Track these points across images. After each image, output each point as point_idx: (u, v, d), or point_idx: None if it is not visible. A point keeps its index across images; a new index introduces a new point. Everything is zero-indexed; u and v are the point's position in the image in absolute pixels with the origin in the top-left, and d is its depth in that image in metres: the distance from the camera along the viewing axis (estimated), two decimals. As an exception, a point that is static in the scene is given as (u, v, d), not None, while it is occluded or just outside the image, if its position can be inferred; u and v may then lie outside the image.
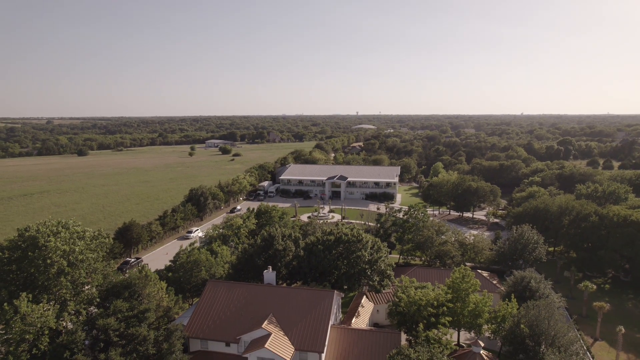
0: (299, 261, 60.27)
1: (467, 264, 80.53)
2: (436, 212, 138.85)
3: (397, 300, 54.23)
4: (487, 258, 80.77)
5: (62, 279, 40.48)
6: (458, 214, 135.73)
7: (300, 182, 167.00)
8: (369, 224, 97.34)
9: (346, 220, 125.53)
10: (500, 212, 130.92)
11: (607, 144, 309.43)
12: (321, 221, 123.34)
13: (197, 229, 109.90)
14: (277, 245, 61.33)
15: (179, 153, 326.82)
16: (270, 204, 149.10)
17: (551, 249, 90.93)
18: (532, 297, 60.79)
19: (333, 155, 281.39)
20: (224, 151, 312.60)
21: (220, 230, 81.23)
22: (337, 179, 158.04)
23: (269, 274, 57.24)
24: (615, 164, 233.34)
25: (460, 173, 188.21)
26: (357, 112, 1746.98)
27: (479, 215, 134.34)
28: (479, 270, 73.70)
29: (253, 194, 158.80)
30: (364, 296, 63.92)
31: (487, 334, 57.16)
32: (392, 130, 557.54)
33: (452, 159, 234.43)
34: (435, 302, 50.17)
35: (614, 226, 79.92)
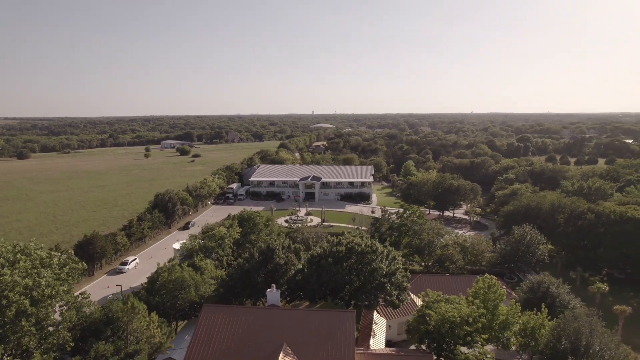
0: (304, 276, 52.90)
1: (467, 267, 76.53)
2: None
3: (419, 315, 48.42)
4: (488, 260, 76.98)
5: (23, 322, 30.82)
6: (438, 213, 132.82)
7: (271, 183, 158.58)
8: (362, 228, 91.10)
9: (327, 223, 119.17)
10: (478, 209, 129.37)
11: (559, 141, 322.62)
12: (300, 225, 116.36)
13: (135, 258, 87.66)
14: (277, 259, 53.70)
15: (134, 155, 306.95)
16: (241, 207, 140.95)
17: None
18: (554, 303, 57.04)
19: (297, 154, 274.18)
20: (183, 152, 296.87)
21: (200, 241, 72.03)
22: (310, 179, 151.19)
23: (273, 294, 49.46)
24: (571, 159, 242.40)
25: (427, 171, 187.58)
26: (313, 112, 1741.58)
27: (459, 213, 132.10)
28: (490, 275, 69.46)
29: (222, 198, 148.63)
30: (374, 311, 57.61)
31: (513, 348, 52.51)
32: (350, 129, 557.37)
33: (420, 156, 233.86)
34: (470, 319, 44.59)
35: (611, 223, 78.52)
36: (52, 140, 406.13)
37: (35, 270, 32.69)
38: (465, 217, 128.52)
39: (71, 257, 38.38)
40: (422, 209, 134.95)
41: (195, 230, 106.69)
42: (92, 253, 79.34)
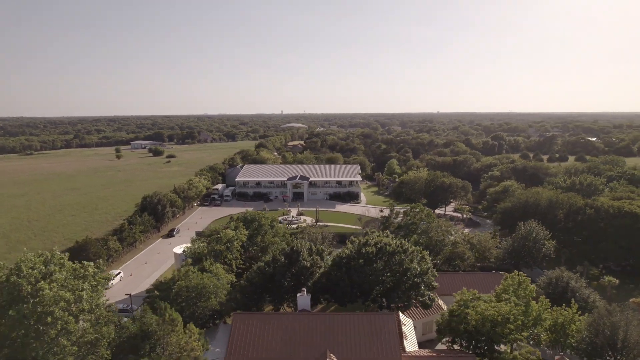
0: (332, 279, 50.83)
1: (477, 264, 76.56)
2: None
3: (455, 314, 47.35)
4: (495, 257, 77.23)
5: (64, 341, 27.27)
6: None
7: (257, 183, 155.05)
8: (366, 229, 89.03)
9: (321, 223, 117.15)
10: (466, 207, 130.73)
11: (530, 139, 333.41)
12: (295, 225, 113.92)
13: (119, 272, 79.22)
14: (303, 261, 51.34)
15: (103, 156, 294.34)
16: (229, 209, 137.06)
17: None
18: (574, 298, 57.44)
19: (275, 154, 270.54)
20: (156, 153, 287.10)
21: (200, 244, 68.51)
22: (298, 179, 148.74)
23: (304, 298, 47.22)
24: (544, 157, 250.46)
25: (417, 169, 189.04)
26: (282, 111, 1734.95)
27: (448, 211, 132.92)
28: (500, 271, 69.60)
29: (208, 199, 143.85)
30: (399, 313, 56.24)
31: (542, 345, 52.35)
32: (323, 129, 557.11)
33: (400, 155, 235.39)
34: (511, 317, 43.87)
35: (610, 218, 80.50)
36: (10, 141, 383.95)
37: (75, 283, 29.14)
38: (456, 214, 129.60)
39: (99, 266, 34.79)
40: (391, 205, 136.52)
41: (185, 237, 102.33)
42: (86, 259, 74.07)
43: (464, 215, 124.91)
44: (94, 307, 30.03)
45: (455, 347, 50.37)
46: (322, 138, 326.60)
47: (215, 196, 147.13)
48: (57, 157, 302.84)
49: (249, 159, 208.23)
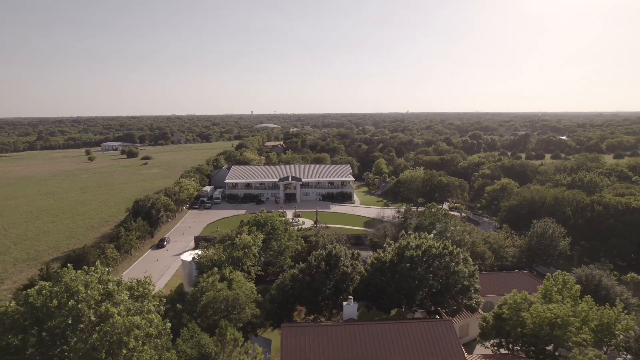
0: (373, 284, 47.91)
1: (496, 264, 75.44)
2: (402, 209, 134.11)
3: (507, 318, 45.42)
4: (512, 256, 76.38)
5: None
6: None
7: (248, 185, 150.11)
8: (369, 230, 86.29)
9: (322, 225, 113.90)
10: (461, 206, 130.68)
11: (506, 138, 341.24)
12: (295, 227, 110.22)
13: None
14: (343, 267, 48.15)
15: (74, 158, 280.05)
16: (220, 212, 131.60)
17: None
18: (608, 295, 56.96)
19: (257, 154, 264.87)
20: (130, 154, 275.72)
21: (217, 251, 64.13)
22: (291, 180, 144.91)
23: (351, 307, 44.15)
24: (521, 155, 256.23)
25: (405, 169, 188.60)
26: (252, 112, 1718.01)
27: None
28: (524, 270, 68.63)
29: (197, 202, 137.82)
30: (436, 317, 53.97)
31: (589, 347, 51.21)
32: (296, 129, 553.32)
33: (384, 154, 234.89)
34: (571, 319, 42.26)
35: (619, 214, 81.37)
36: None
37: (137, 305, 24.89)
38: (454, 213, 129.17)
39: (150, 281, 30.41)
40: (404, 206, 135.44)
41: (179, 244, 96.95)
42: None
43: (462, 214, 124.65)
44: (161, 331, 25.88)
45: (502, 351, 48.59)
46: (301, 138, 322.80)
47: (205, 198, 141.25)
48: (21, 159, 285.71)
49: (233, 160, 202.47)
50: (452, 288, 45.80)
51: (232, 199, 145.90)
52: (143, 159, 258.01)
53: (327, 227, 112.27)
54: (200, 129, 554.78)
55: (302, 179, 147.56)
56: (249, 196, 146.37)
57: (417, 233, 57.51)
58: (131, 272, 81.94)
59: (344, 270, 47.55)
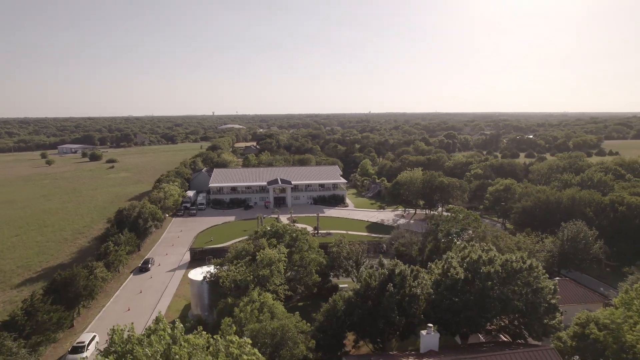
0: (447, 307, 41.12)
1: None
2: (399, 212, 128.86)
3: (581, 337, 39.87)
4: (544, 261, 71.93)
5: None
6: (424, 212, 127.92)
7: (233, 189, 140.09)
8: (379, 235, 79.23)
9: (324, 231, 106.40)
10: (460, 207, 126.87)
11: (477, 137, 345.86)
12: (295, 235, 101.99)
13: (94, 335, 53.70)
14: (411, 288, 41.04)
15: (28, 162, 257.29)
16: (207, 219, 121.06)
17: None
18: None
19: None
20: (93, 157, 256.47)
21: (233, 271, 55.35)
22: (281, 183, 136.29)
23: (431, 338, 37.16)
24: (498, 154, 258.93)
25: (390, 169, 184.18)
26: (213, 113, 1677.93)
27: (446, 212, 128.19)
28: (566, 278, 64.16)
29: (181, 209, 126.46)
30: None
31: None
32: (262, 130, 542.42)
33: (364, 155, 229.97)
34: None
35: (643, 214, 78.98)
36: None
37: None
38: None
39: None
40: (400, 208, 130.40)
41: (167, 262, 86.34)
42: (73, 297, 57.56)
43: None
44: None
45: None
46: (275, 139, 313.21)
47: (188, 204, 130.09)
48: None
49: (210, 162, 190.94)
50: (538, 307, 39.73)
51: (217, 204, 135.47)
52: (108, 162, 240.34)
53: (330, 234, 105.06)
54: (164, 130, 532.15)
55: (292, 182, 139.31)
56: (235, 201, 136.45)
57: (466, 243, 51.35)
58: (123, 292, 71.05)
59: (413, 292, 40.50)
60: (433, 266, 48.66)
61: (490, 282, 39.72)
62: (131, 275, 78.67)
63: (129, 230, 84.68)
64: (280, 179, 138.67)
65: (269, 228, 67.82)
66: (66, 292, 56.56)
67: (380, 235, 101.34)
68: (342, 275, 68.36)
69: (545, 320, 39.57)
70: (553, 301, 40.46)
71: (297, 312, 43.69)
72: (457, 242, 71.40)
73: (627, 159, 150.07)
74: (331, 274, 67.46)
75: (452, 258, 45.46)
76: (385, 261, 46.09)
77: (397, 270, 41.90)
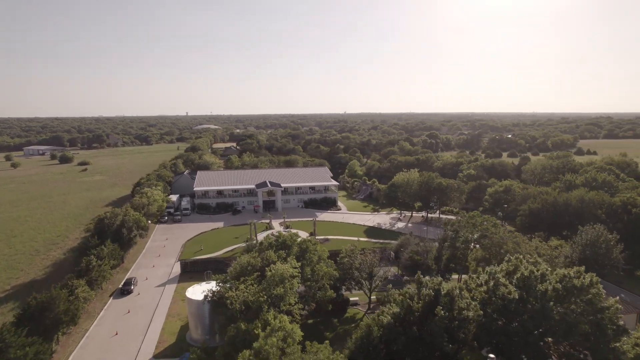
0: (503, 331, 35.85)
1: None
2: (394, 215, 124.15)
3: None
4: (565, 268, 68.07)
5: None
6: (421, 215, 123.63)
7: (219, 193, 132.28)
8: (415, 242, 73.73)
9: (321, 237, 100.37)
10: (455, 209, 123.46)
11: (459, 137, 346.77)
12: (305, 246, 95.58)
13: None
14: (460, 310, 35.59)
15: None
16: (193, 225, 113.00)
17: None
18: None
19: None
20: (63, 159, 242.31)
21: (243, 290, 48.83)
22: (271, 185, 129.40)
23: (495, 371, 31.66)
24: (481, 154, 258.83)
25: (377, 170, 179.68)
26: (187, 113, 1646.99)
27: (443, 215, 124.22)
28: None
29: (165, 215, 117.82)
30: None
31: None
32: (239, 131, 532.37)
33: (349, 155, 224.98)
34: None
35: (659, 215, 76.49)
36: None
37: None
38: (453, 217, 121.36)
39: None
40: (394, 211, 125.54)
41: (155, 274, 78.52)
42: (52, 325, 49.64)
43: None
44: None
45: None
46: (256, 139, 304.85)
47: (172, 210, 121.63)
48: None
49: (191, 164, 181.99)
50: (605, 330, 34.99)
51: (203, 209, 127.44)
52: (80, 164, 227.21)
53: (327, 240, 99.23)
54: (137, 131, 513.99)
55: (282, 185, 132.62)
56: (222, 205, 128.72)
57: (510, 256, 46.46)
58: (108, 312, 63.03)
59: (464, 315, 35.10)
60: (470, 281, 43.44)
61: (551, 302, 34.68)
62: (110, 299, 67.07)
63: (112, 241, 76.48)
64: (269, 182, 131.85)
65: (274, 238, 61.40)
66: (43, 319, 48.65)
67: (385, 241, 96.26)
68: (355, 288, 62.62)
69: (614, 344, 34.82)
70: (621, 322, 35.79)
71: (327, 342, 37.60)
72: (475, 249, 66.86)
73: (616, 159, 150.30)
74: (343, 287, 61.54)
75: (498, 273, 40.31)
76: (426, 278, 40.53)
77: (443, 291, 36.39)
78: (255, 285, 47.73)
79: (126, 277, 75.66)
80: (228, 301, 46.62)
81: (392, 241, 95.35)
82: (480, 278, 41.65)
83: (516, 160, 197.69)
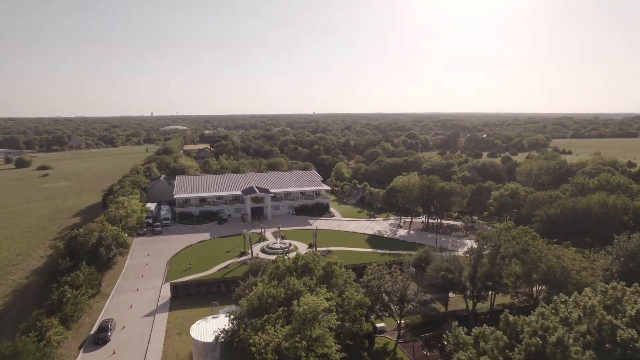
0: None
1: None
2: (392, 221, 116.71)
3: None
4: (605, 281, 62.06)
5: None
6: (421, 221, 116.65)
7: (202, 200, 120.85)
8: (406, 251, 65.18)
9: (323, 249, 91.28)
10: (460, 215, 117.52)
11: (436, 137, 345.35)
12: (292, 255, 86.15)
13: None
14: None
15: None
16: (176, 237, 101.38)
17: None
18: None
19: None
20: (20, 163, 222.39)
21: (271, 331, 39.42)
22: (259, 192, 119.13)
23: None
24: (463, 154, 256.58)
25: (365, 172, 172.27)
26: (152, 113, 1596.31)
27: (444, 220, 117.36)
28: None
29: (144, 226, 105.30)
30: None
31: None
32: (208, 132, 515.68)
33: (332, 157, 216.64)
34: None
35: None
36: None
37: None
38: (455, 223, 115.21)
39: None
40: (390, 216, 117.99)
41: (140, 300, 67.59)
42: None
43: (469, 224, 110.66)
44: None
45: None
46: (231, 140, 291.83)
47: (150, 220, 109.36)
48: None
49: (166, 168, 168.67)
50: None
51: (185, 218, 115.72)
52: (40, 168, 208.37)
53: (330, 252, 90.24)
54: (101, 132, 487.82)
55: (271, 190, 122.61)
56: (206, 214, 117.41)
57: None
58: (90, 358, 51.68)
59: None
60: (550, 315, 35.60)
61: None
62: (80, 353, 51.59)
63: (87, 263, 64.75)
64: (256, 187, 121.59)
65: (291, 260, 51.94)
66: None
67: (395, 252, 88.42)
68: (385, 315, 54.07)
69: None
70: None
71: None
72: (512, 264, 59.66)
73: (607, 159, 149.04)
74: (372, 315, 52.82)
75: (589, 299, 32.68)
76: (522, 318, 32.21)
77: (550, 337, 28.23)
78: (287, 328, 38.24)
79: (99, 318, 59.73)
80: (253, 348, 36.93)
81: (402, 252, 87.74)
82: (572, 314, 33.90)
83: (497, 160, 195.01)
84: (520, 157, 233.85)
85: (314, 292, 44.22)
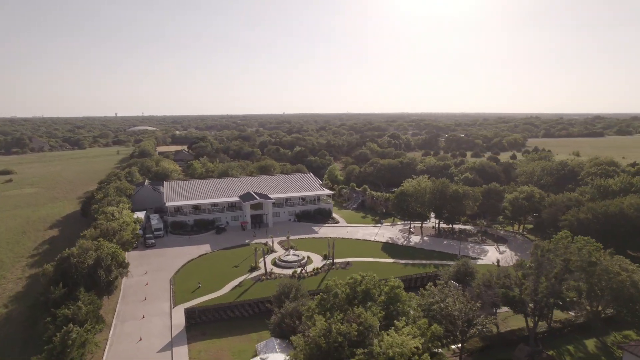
0: None
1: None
2: (401, 226, 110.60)
3: None
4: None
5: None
6: (432, 226, 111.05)
7: (196, 207, 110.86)
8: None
9: (342, 261, 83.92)
10: (469, 219, 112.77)
11: (418, 137, 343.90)
12: (306, 272, 78.55)
13: None
14: None
15: None
16: (171, 250, 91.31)
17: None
18: None
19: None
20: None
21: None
22: (259, 197, 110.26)
23: None
24: (447, 154, 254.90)
25: (360, 174, 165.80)
26: (116, 114, 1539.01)
27: (455, 226, 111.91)
28: None
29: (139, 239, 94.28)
30: None
31: None
32: (178, 133, 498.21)
33: (319, 158, 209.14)
34: None
35: None
36: None
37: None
38: (467, 227, 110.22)
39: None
40: (395, 222, 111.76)
41: (149, 331, 58.31)
42: None
43: (495, 231, 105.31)
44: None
45: None
46: (209, 142, 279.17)
47: (141, 231, 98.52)
48: None
49: (148, 172, 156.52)
50: None
51: (178, 228, 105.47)
52: (1, 173, 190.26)
53: (349, 264, 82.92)
54: (64, 133, 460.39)
55: (270, 195, 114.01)
56: (201, 223, 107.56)
57: None
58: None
59: None
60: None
61: None
62: None
63: (86, 289, 54.77)
64: (254, 193, 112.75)
65: (347, 285, 44.18)
66: None
67: (420, 263, 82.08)
68: (448, 342, 47.27)
69: None
70: None
71: None
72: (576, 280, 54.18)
73: (603, 159, 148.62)
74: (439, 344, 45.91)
75: None
76: None
77: None
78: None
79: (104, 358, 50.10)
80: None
81: (425, 262, 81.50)
82: None
83: (484, 160, 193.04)
84: (504, 157, 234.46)
85: (392, 327, 36.81)
